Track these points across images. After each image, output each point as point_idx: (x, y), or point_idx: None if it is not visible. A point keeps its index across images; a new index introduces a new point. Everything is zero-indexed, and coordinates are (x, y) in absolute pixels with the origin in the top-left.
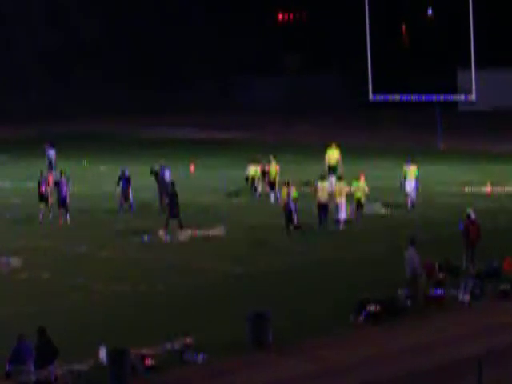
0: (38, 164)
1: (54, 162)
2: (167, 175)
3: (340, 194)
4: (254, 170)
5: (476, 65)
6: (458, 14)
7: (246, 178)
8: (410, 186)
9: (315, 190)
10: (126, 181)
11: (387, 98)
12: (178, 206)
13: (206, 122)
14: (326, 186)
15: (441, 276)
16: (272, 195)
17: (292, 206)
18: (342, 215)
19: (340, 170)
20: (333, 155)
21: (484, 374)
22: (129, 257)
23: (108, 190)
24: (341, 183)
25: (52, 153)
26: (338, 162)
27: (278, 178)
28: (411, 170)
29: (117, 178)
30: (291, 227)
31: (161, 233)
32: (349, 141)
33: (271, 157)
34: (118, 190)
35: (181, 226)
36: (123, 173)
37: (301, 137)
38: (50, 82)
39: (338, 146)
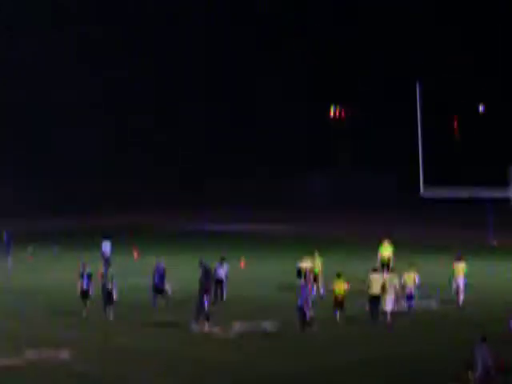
0: (88, 256)
1: (109, 255)
2: (221, 272)
3: (390, 286)
4: (309, 264)
5: None
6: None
7: (299, 272)
8: (457, 282)
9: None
10: (160, 273)
11: (439, 194)
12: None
13: (256, 216)
14: (378, 279)
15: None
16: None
17: (304, 302)
18: (389, 307)
19: (392, 265)
20: (386, 252)
21: None
22: (173, 350)
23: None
24: (391, 275)
25: (107, 245)
26: (390, 259)
27: (320, 274)
28: (459, 267)
29: (152, 270)
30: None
31: (206, 326)
32: (400, 237)
33: (316, 252)
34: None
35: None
36: (158, 265)
37: (351, 233)
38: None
39: (392, 243)
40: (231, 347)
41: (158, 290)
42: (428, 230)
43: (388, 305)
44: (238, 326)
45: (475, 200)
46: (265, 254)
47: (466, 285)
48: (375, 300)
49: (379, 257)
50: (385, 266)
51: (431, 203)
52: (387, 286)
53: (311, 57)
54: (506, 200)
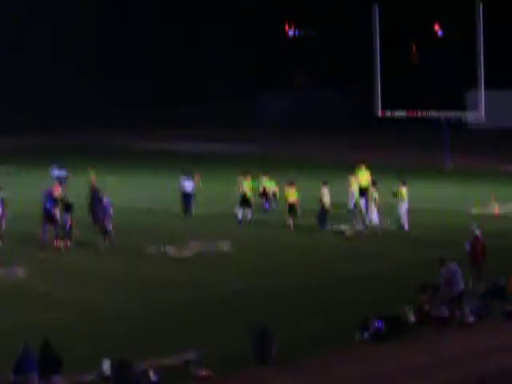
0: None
1: (63, 179)
2: (188, 185)
3: (371, 200)
4: (267, 182)
5: (485, 84)
6: (467, 32)
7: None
8: (403, 207)
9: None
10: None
11: (395, 114)
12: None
13: (214, 136)
14: (327, 191)
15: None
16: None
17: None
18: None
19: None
20: (364, 177)
21: None
22: (128, 270)
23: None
24: (371, 189)
25: (58, 172)
26: (369, 183)
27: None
28: (404, 192)
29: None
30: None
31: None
32: (356, 158)
33: (241, 175)
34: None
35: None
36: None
37: (306, 152)
38: (50, 93)
39: (369, 167)
40: (183, 265)
41: (49, 217)
42: (382, 152)
43: (375, 218)
44: (193, 246)
45: (432, 122)
46: (221, 174)
47: (399, 210)
48: (324, 211)
49: (358, 182)
50: (363, 190)
51: (387, 125)
52: (371, 199)
53: None
54: (462, 122)
